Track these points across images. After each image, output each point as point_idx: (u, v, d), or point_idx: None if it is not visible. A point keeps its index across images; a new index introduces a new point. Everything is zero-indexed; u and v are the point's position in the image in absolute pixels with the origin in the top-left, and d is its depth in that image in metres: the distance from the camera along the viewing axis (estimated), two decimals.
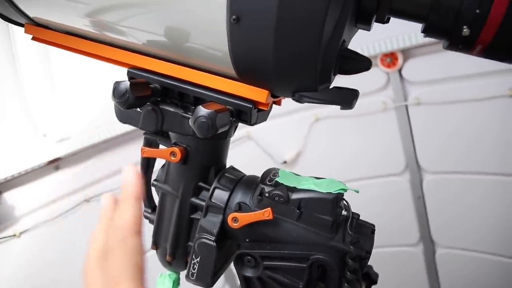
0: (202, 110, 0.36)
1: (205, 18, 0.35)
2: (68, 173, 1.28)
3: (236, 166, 0.53)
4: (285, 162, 1.45)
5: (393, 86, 1.32)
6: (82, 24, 0.48)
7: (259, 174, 0.49)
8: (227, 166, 0.52)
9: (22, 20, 0.53)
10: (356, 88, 0.42)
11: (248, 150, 1.46)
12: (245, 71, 0.38)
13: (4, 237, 1.13)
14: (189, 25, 0.37)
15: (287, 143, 1.48)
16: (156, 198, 0.54)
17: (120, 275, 0.29)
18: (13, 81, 1.17)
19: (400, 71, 1.29)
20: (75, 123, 1.27)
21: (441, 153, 1.37)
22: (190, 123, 0.37)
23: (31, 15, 0.51)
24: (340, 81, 0.38)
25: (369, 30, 0.40)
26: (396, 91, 1.32)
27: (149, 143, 0.50)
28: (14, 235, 1.15)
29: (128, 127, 1.24)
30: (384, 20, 0.39)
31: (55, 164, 1.25)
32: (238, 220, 0.45)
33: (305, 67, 0.35)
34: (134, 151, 1.32)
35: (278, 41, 0.33)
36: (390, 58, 1.27)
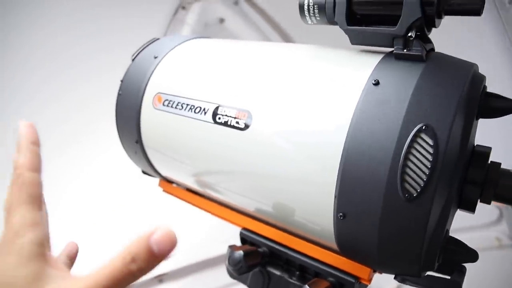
0: None
1: (313, 212, 0.40)
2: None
3: None
4: None
5: (508, 222, 1.21)
6: (200, 188, 0.56)
7: None
8: None
9: (158, 177, 0.65)
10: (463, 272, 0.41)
11: None
12: (349, 253, 0.40)
13: None
14: (299, 211, 0.42)
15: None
16: None
17: (14, 204, 0.28)
18: None
19: None
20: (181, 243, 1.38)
21: None
22: None
23: (163, 174, 0.62)
24: None
25: (473, 214, 0.41)
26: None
27: None
28: None
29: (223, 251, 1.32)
30: (489, 203, 0.40)
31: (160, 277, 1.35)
32: None
33: (408, 259, 0.36)
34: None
35: (382, 237, 0.35)
36: None
